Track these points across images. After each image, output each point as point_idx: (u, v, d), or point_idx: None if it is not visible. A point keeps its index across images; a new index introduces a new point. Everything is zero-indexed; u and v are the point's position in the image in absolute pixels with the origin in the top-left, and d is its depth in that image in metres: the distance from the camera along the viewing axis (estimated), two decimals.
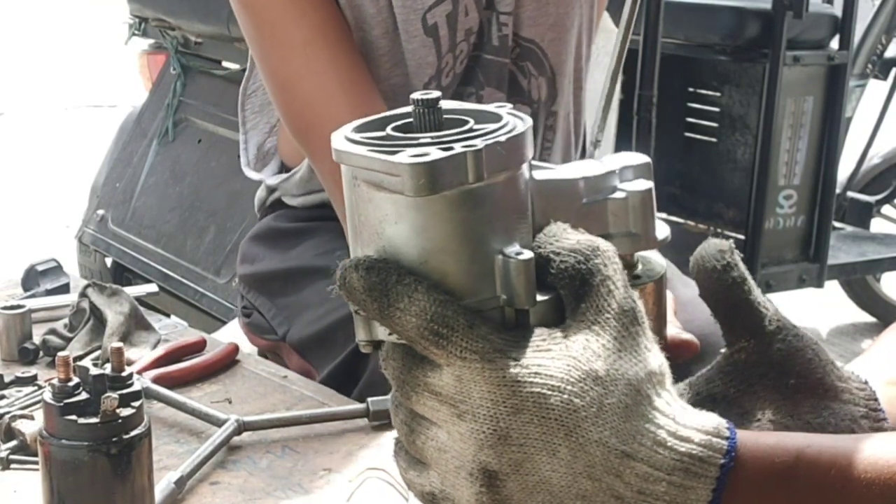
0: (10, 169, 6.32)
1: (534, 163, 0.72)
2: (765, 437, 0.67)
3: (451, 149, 0.65)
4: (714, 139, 3.95)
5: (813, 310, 4.38)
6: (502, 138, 0.66)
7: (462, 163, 0.65)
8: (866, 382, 0.79)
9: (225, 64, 3.60)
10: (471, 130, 0.68)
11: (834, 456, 0.66)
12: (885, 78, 4.20)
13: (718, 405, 0.78)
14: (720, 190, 3.93)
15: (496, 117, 0.70)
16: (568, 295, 0.68)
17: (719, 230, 3.98)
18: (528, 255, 0.67)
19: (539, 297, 0.68)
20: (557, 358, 0.65)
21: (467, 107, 0.72)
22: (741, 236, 3.77)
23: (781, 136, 3.65)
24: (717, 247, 0.77)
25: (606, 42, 3.41)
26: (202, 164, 3.49)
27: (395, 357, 0.68)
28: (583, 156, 1.74)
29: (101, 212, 3.67)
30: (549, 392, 0.64)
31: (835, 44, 3.75)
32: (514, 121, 0.69)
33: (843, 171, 4.00)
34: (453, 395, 0.65)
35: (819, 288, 3.90)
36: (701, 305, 0.79)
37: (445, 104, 0.70)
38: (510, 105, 0.72)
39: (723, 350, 0.80)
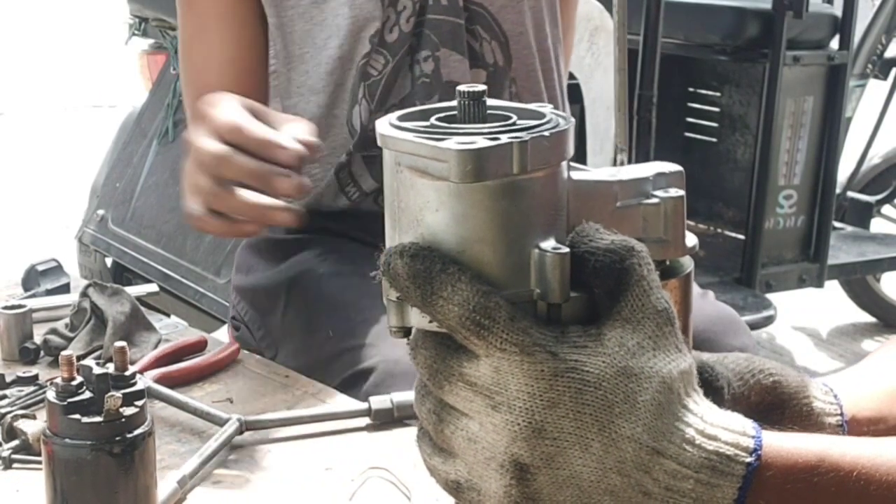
0: (9, 169, 6.32)
1: (571, 164, 0.73)
2: (789, 438, 0.68)
3: (497, 139, 0.66)
4: (714, 139, 3.95)
5: (813, 310, 4.38)
6: (547, 133, 0.68)
7: (508, 153, 0.66)
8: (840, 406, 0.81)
9: None
10: (514, 125, 0.69)
11: (857, 458, 0.67)
12: (885, 78, 4.19)
13: None
14: (720, 190, 3.93)
15: (539, 115, 0.71)
16: (602, 294, 0.68)
17: (719, 230, 3.98)
18: (564, 249, 0.67)
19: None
20: (594, 354, 0.66)
21: (511, 104, 0.74)
22: (741, 236, 3.76)
23: (781, 136, 3.65)
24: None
25: (608, 43, 3.40)
26: None
27: (427, 346, 0.68)
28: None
29: (101, 212, 3.67)
30: (586, 387, 0.65)
31: (835, 44, 3.75)
32: (557, 118, 0.71)
33: (843, 171, 4.00)
34: (489, 385, 0.66)
35: (819, 288, 3.89)
36: (697, 303, 0.80)
37: (489, 101, 0.71)
38: (552, 105, 0.74)
39: None
